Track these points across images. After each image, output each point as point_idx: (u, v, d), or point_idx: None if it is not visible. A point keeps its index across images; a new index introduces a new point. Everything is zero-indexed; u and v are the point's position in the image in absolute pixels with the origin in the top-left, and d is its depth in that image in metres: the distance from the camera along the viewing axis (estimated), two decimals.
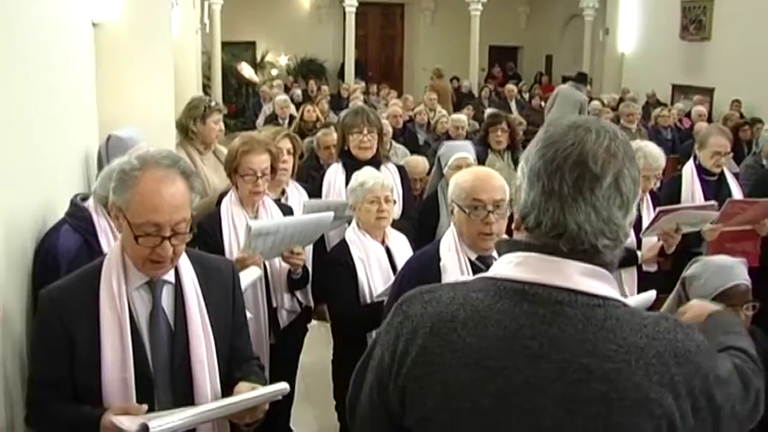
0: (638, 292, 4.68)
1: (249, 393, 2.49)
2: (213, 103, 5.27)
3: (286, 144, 4.57)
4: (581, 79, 13.74)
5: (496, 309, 1.58)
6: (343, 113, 5.68)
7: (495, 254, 3.06)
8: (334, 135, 5.92)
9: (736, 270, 3.24)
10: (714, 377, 1.60)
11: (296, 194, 4.63)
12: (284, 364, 4.04)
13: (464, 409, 1.56)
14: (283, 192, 4.60)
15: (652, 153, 4.95)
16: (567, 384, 1.51)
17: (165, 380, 2.50)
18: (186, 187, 2.43)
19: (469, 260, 3.05)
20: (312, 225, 3.98)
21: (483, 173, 3.11)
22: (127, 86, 5.22)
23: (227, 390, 2.58)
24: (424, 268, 3.12)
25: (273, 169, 4.05)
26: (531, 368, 1.53)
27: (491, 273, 1.66)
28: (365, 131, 4.86)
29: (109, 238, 3.20)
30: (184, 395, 2.51)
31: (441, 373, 1.58)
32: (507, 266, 1.63)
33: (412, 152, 7.97)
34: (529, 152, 1.64)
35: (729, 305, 3.13)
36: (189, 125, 5.12)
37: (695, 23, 17.67)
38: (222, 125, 5.30)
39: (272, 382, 3.89)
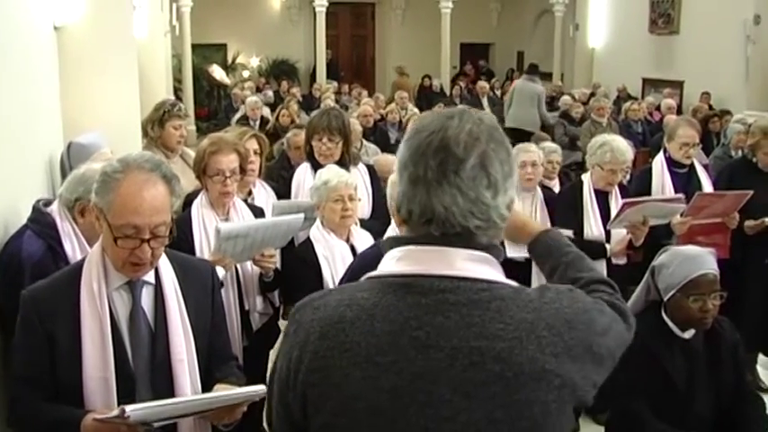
0: None
1: (227, 391, 2.52)
2: (176, 108, 5.15)
3: (253, 144, 4.52)
4: (533, 71, 13.86)
5: (381, 305, 1.58)
6: (312, 114, 5.65)
7: None
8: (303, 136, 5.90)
9: (704, 259, 3.26)
10: (602, 328, 1.64)
11: (263, 194, 4.60)
12: (257, 365, 4.01)
13: (361, 409, 1.55)
14: (250, 192, 4.56)
15: (619, 147, 4.98)
16: (461, 370, 1.51)
17: (145, 379, 2.53)
18: (167, 191, 2.47)
19: None
20: (282, 227, 3.96)
21: None
22: (91, 91, 5.16)
23: (207, 389, 2.61)
24: (377, 259, 3.10)
25: (242, 169, 4.01)
26: (421, 359, 1.53)
27: (377, 271, 1.67)
28: (325, 139, 4.79)
29: (73, 243, 3.19)
30: (165, 394, 2.52)
31: (334, 376, 1.58)
32: (390, 262, 1.64)
33: (383, 151, 7.94)
34: (400, 146, 1.66)
35: (697, 294, 3.15)
36: (147, 129, 5.05)
37: (664, 17, 17.79)
38: (185, 131, 5.18)
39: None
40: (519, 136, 9.56)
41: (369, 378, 1.55)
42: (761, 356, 6.14)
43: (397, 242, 1.66)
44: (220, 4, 21.00)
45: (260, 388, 2.52)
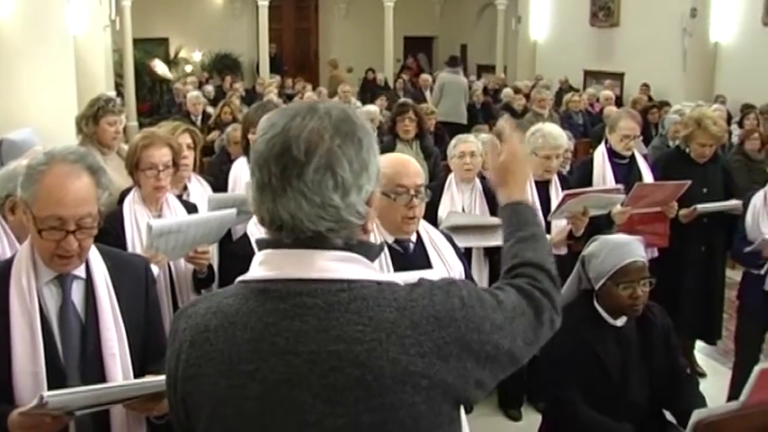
0: None
1: (149, 378, 2.47)
2: (111, 104, 5.02)
3: (186, 139, 4.45)
4: (454, 63, 14.05)
5: (243, 312, 1.55)
6: (249, 108, 5.61)
7: (413, 237, 3.07)
8: None
9: (632, 247, 3.31)
10: (491, 325, 1.58)
11: (198, 189, 4.53)
12: None
13: (231, 417, 1.54)
14: (185, 187, 4.49)
15: (551, 133, 5.02)
16: (321, 375, 1.47)
17: (76, 374, 2.49)
18: (92, 182, 2.44)
19: (387, 244, 3.03)
20: (215, 223, 3.91)
21: (401, 159, 3.10)
22: (23, 86, 5.05)
23: None
24: None
25: (175, 164, 3.95)
26: (282, 365, 1.50)
27: (244, 276, 1.62)
28: None
29: (3, 242, 3.14)
30: None
31: (203, 385, 1.56)
32: (254, 267, 1.60)
33: None
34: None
35: (627, 281, 3.18)
36: (81, 125, 4.94)
37: (604, 10, 18.06)
38: (120, 127, 5.06)
39: None
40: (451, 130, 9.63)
41: (235, 386, 1.52)
42: (699, 344, 6.25)
43: (259, 245, 1.62)
44: None
45: None
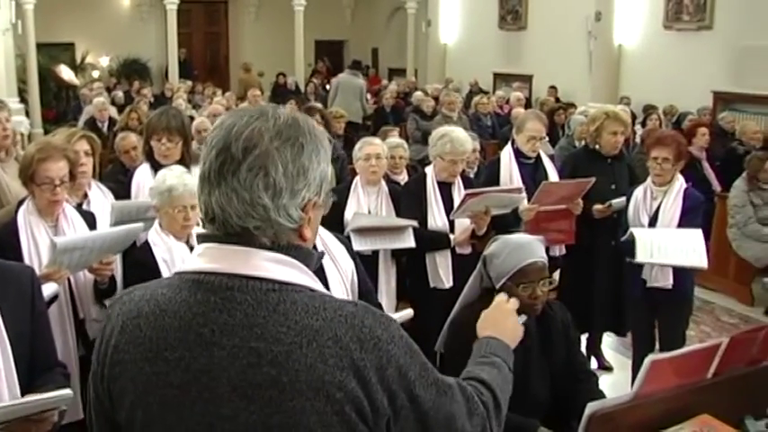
0: (454, 273, 4.80)
1: (26, 398, 2.40)
2: None
3: (83, 146, 4.34)
4: (356, 66, 14.67)
5: (175, 301, 1.58)
6: (151, 114, 5.51)
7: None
8: (132, 138, 6.05)
9: (532, 248, 3.35)
10: (417, 376, 1.58)
11: (99, 197, 4.42)
12: None
13: (153, 403, 1.56)
14: (85, 195, 4.38)
15: (458, 138, 5.07)
16: (240, 370, 1.50)
17: None
18: None
19: None
20: (122, 235, 3.86)
21: None
22: None
23: None
24: None
25: (72, 175, 3.84)
26: (205, 356, 1.52)
27: (181, 267, 1.66)
28: (164, 140, 4.67)
29: None
30: None
31: (129, 371, 1.58)
32: (192, 259, 1.63)
33: None
34: None
35: (526, 282, 3.23)
36: None
37: (512, 14, 18.36)
38: (8, 125, 4.87)
39: (83, 394, 3.72)
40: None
41: (159, 373, 1.54)
42: (607, 338, 6.39)
43: (199, 238, 1.65)
44: (66, 1, 20.27)
45: (66, 392, 2.43)
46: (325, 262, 3.05)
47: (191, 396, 1.52)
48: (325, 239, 3.13)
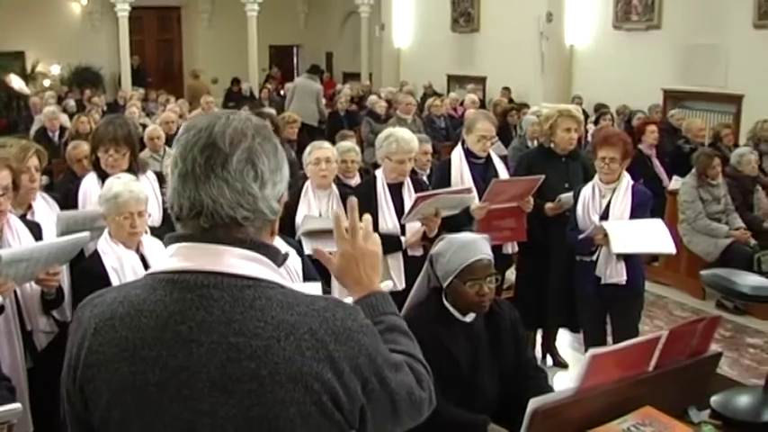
0: (406, 275, 4.81)
1: None
2: None
3: (35, 161, 4.25)
4: (314, 71, 14.88)
5: (150, 300, 1.60)
6: (97, 124, 5.46)
7: None
8: (84, 147, 5.95)
9: (478, 245, 3.38)
10: (384, 360, 1.67)
11: (44, 207, 4.36)
12: (48, 386, 3.81)
13: (130, 402, 1.58)
14: (29, 206, 4.28)
15: (403, 137, 5.10)
16: (219, 366, 1.53)
17: None
18: None
19: None
20: (69, 246, 3.83)
21: None
22: None
23: None
24: None
25: (15, 185, 3.76)
26: (183, 353, 1.55)
27: (153, 269, 1.70)
28: (111, 150, 4.64)
29: None
30: None
31: (105, 371, 1.60)
32: (165, 259, 1.66)
33: None
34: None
35: (473, 279, 3.26)
36: None
37: (465, 16, 18.43)
38: None
39: (33, 407, 3.68)
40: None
41: (137, 373, 1.57)
42: (562, 335, 6.44)
43: (170, 239, 1.67)
44: (15, 9, 19.95)
45: (15, 407, 2.41)
46: None
47: (169, 393, 1.55)
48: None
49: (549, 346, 6.35)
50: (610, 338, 5.34)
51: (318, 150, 5.15)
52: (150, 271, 1.69)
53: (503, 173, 5.83)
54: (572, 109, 5.73)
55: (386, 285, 2.83)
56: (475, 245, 3.37)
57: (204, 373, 1.53)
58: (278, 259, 1.67)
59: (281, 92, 16.64)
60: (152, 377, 1.56)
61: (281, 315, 1.56)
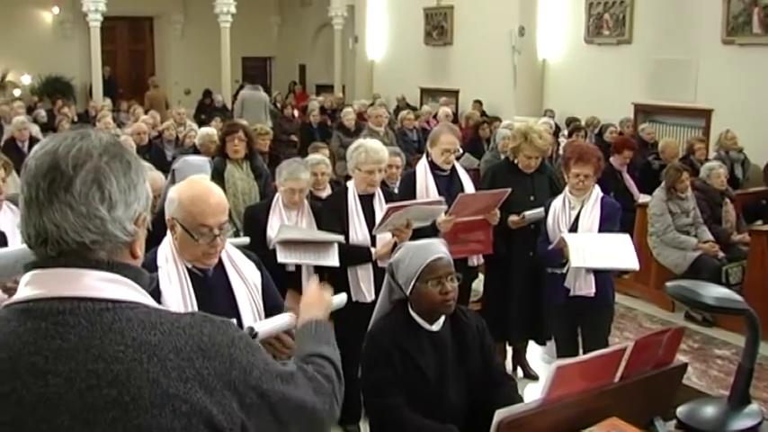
0: (376, 287, 4.79)
1: None
2: None
3: (1, 173, 4.23)
4: (255, 82, 15.81)
5: (3, 333, 1.51)
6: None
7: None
8: None
9: (434, 246, 3.42)
10: (263, 372, 1.64)
11: (9, 216, 4.32)
12: None
13: None
14: None
15: (373, 147, 5.11)
16: (79, 395, 1.45)
17: None
18: None
19: (187, 268, 2.99)
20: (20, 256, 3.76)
21: (203, 193, 2.95)
22: None
23: None
24: None
25: None
26: (39, 386, 1.46)
27: (9, 299, 1.59)
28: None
29: None
30: None
31: None
32: (20, 289, 1.57)
33: (158, 168, 7.73)
34: None
35: (434, 278, 3.25)
36: None
37: (438, 29, 18.52)
38: None
39: None
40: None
41: None
42: (533, 347, 6.45)
43: (26, 267, 1.58)
44: None
45: None
46: (232, 276, 3.05)
47: (26, 430, 1.45)
48: (230, 253, 3.11)
49: (520, 358, 6.36)
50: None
51: (293, 182, 5.02)
52: (6, 302, 1.59)
53: (468, 185, 5.86)
54: (537, 138, 5.68)
55: (338, 298, 2.86)
56: (432, 246, 3.39)
57: (63, 405, 1.44)
58: (141, 279, 1.60)
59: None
60: (5, 416, 1.45)
61: (143, 336, 1.49)
